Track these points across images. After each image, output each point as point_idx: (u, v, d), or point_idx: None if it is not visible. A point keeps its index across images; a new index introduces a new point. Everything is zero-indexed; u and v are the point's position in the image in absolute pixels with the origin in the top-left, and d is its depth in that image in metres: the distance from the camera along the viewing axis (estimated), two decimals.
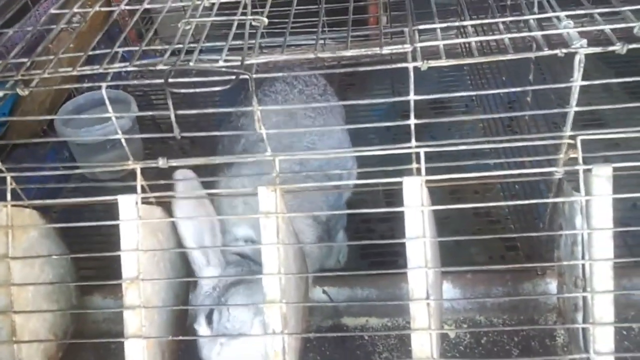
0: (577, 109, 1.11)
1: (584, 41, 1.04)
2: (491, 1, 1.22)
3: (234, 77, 1.08)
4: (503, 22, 1.14)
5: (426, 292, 1.18)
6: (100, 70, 1.20)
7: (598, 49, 1.03)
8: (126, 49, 1.27)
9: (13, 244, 1.31)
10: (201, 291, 1.35)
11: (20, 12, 1.78)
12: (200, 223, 1.32)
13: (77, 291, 1.53)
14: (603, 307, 1.14)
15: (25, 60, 1.27)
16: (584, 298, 1.16)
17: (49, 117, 2.09)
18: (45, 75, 1.21)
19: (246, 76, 1.07)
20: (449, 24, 1.16)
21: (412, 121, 1.15)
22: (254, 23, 1.22)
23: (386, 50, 1.09)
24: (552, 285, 1.47)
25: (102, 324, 1.60)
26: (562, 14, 1.11)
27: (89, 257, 1.57)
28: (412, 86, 1.09)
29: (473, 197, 2.08)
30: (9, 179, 1.31)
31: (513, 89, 1.23)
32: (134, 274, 1.25)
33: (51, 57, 1.27)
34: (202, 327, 1.29)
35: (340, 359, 1.44)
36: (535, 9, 1.28)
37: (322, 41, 2.63)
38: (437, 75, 2.50)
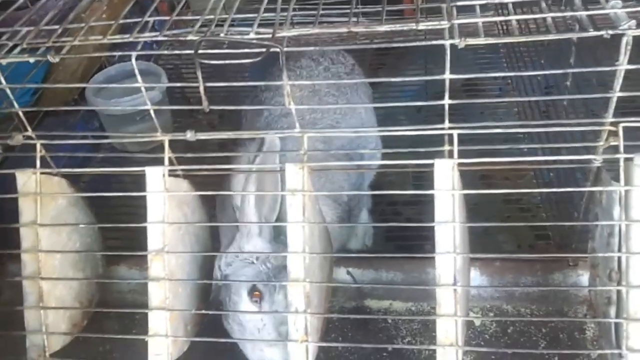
0: (620, 94, 1.05)
1: (633, 22, 0.98)
2: None
3: (264, 49, 1.06)
4: (545, 1, 1.09)
5: (453, 278, 1.15)
6: (131, 39, 1.18)
7: None
8: (157, 18, 1.26)
9: (41, 211, 1.32)
10: (238, 258, 1.31)
11: None
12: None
13: (103, 260, 1.54)
14: (638, 302, 1.10)
15: (57, 27, 1.26)
16: (619, 292, 1.12)
17: (79, 85, 2.10)
18: (76, 43, 1.20)
19: (277, 49, 1.05)
20: (489, 0, 1.10)
21: (447, 101, 1.11)
22: None
23: (422, 26, 1.05)
24: (584, 277, 1.42)
25: (127, 294, 1.61)
26: None
27: (116, 227, 1.60)
28: (447, 64, 1.05)
29: (504, 183, 2.03)
30: (38, 147, 1.31)
31: (553, 71, 1.17)
32: (159, 246, 1.25)
33: (82, 25, 1.26)
34: (243, 302, 1.27)
35: (362, 341, 1.42)
36: None
37: (354, 18, 2.58)
38: (472, 57, 2.43)
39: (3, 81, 1.23)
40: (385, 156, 1.57)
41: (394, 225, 1.63)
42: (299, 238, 1.20)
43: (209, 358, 1.41)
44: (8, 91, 1.26)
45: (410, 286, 1.43)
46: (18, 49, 1.23)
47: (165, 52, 1.88)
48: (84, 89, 2.15)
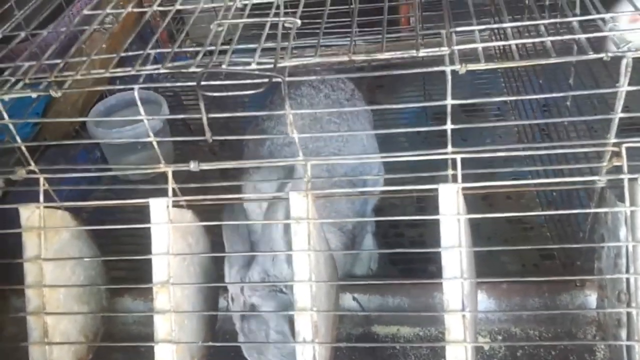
0: (622, 115, 1.06)
1: (632, 44, 0.99)
2: (529, 1, 1.17)
3: (266, 80, 1.06)
4: (544, 24, 1.10)
5: (462, 303, 1.14)
6: (133, 72, 1.19)
7: None
8: (158, 50, 1.27)
9: (45, 245, 1.31)
10: (266, 285, 1.29)
11: (52, 13, 1.80)
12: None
13: (107, 293, 1.52)
14: None
15: (58, 61, 1.27)
16: (629, 314, 1.11)
17: (79, 120, 2.11)
18: (78, 77, 1.21)
19: (279, 79, 1.06)
20: (487, 25, 1.11)
21: (449, 126, 1.12)
22: (286, 24, 1.20)
23: (422, 53, 1.06)
24: (592, 298, 1.41)
25: (132, 326, 1.60)
26: (607, 15, 1.07)
27: (120, 259, 1.59)
28: (449, 90, 1.06)
29: (506, 203, 2.03)
30: (41, 181, 1.31)
31: (554, 95, 1.18)
32: (164, 278, 1.25)
33: (84, 58, 1.27)
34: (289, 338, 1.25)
35: None
36: (577, 10, 1.24)
37: (353, 43, 2.60)
38: (470, 78, 2.44)
39: (6, 116, 1.24)
40: (387, 180, 1.56)
41: (399, 251, 1.62)
42: (305, 266, 1.19)
43: None
44: (11, 126, 1.26)
45: (418, 313, 1.41)
46: (20, 84, 1.24)
47: (168, 84, 1.89)
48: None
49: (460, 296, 1.14)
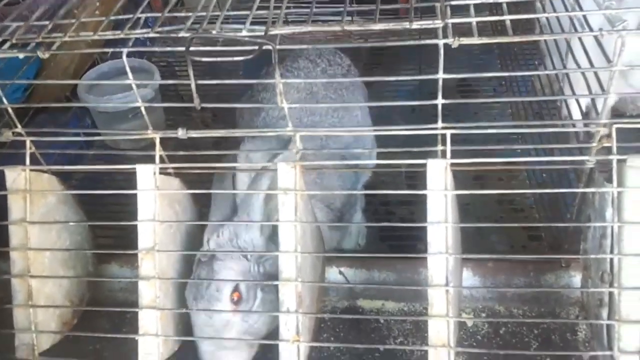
0: (614, 94, 1.05)
1: (626, 23, 0.98)
2: None
3: (256, 47, 1.05)
4: (540, 1, 1.08)
5: (446, 278, 1.14)
6: (122, 36, 1.17)
7: None
8: (150, 15, 1.24)
9: (31, 208, 1.30)
10: (231, 244, 1.28)
11: None
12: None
13: (94, 259, 1.52)
14: (630, 305, 1.10)
15: (47, 23, 1.25)
16: (611, 294, 1.12)
17: (70, 82, 2.08)
18: (67, 39, 1.19)
19: (269, 47, 1.04)
20: (483, 0, 1.09)
21: (440, 101, 1.11)
22: None
23: (415, 25, 1.04)
24: (576, 278, 1.42)
25: (119, 293, 1.60)
26: None
27: (107, 225, 1.58)
28: (441, 64, 1.05)
29: (497, 184, 2.03)
30: (28, 143, 1.30)
31: (546, 72, 1.17)
32: (150, 244, 1.24)
33: (73, 20, 1.25)
34: (223, 297, 1.24)
35: (354, 341, 1.42)
36: None
37: (349, 17, 2.57)
38: (466, 58, 2.42)
39: None
40: (378, 155, 1.56)
41: (387, 225, 1.62)
42: (291, 237, 1.19)
43: None
44: None
45: (402, 287, 1.42)
46: (7, 44, 1.22)
47: (157, 49, 1.86)
48: (76, 85, 2.14)
49: (444, 271, 1.14)
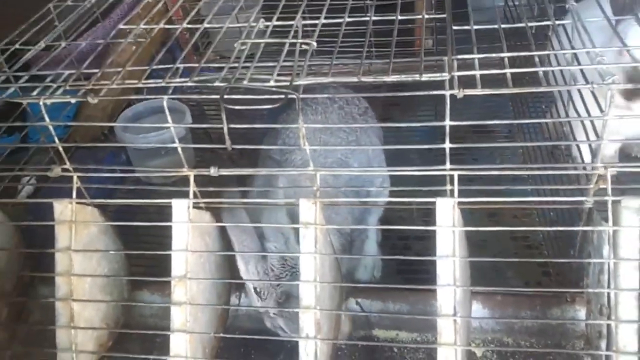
0: (606, 141, 1.15)
1: (616, 77, 1.09)
2: (529, 33, 1.28)
3: (282, 96, 1.18)
4: (539, 55, 1.20)
5: (454, 308, 1.23)
6: (163, 84, 1.31)
7: (629, 85, 1.07)
8: (186, 65, 1.38)
9: (75, 238, 1.43)
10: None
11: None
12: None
13: (128, 285, 1.64)
14: (627, 336, 1.17)
15: (95, 70, 1.40)
16: (608, 326, 1.19)
17: (108, 124, 2.25)
18: (114, 86, 1.34)
19: (294, 96, 1.17)
20: (486, 55, 1.21)
21: (447, 145, 1.22)
22: (304, 47, 1.31)
23: (425, 78, 1.16)
24: (581, 313, 1.49)
25: (149, 319, 1.71)
26: (597, 49, 1.16)
27: (139, 254, 1.71)
28: (447, 112, 1.16)
29: (512, 221, 2.11)
30: (75, 179, 1.44)
31: (545, 120, 1.28)
32: (182, 272, 1.36)
33: (119, 69, 1.39)
34: None
35: None
36: (574, 44, 1.33)
37: (368, 62, 2.70)
38: (481, 100, 2.54)
39: (47, 119, 1.36)
40: (392, 193, 1.67)
41: (398, 258, 1.71)
42: (311, 268, 1.30)
43: None
44: (51, 128, 1.39)
45: (412, 316, 1.51)
46: (61, 90, 1.37)
47: (195, 97, 2.00)
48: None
49: (452, 302, 1.23)
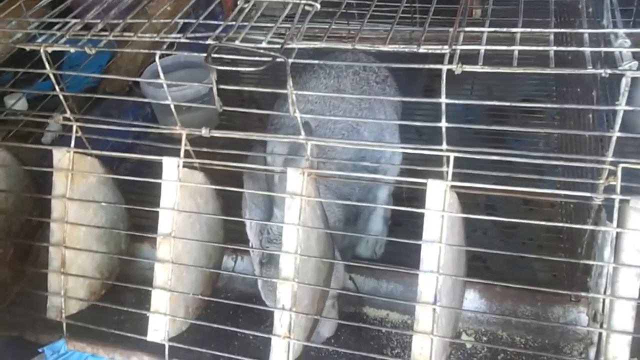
0: (619, 134, 1.03)
1: (634, 63, 0.97)
2: (551, 8, 1.16)
3: (271, 59, 1.12)
4: (555, 34, 1.08)
5: (434, 297, 1.17)
6: (157, 39, 1.28)
7: None
8: (208, 21, 1.33)
9: (72, 186, 1.45)
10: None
11: None
12: None
13: (127, 237, 1.66)
14: (618, 348, 1.08)
15: (120, 21, 1.37)
16: (600, 334, 1.10)
17: (131, 79, 2.26)
18: (134, 39, 1.32)
19: (281, 60, 1.11)
20: (496, 29, 1.11)
21: (444, 124, 1.14)
22: (306, 7, 1.24)
23: (423, 49, 1.08)
24: (584, 315, 1.39)
25: (148, 271, 1.71)
26: (621, 31, 1.04)
27: (140, 208, 1.71)
28: (443, 89, 1.08)
29: (549, 211, 1.98)
30: (74, 127, 1.44)
31: (554, 105, 1.16)
32: (167, 230, 1.35)
33: (144, 20, 1.36)
34: None
35: (354, 346, 1.47)
36: (605, 22, 1.20)
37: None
38: (525, 77, 2.39)
39: (47, 66, 1.36)
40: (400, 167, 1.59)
41: (391, 239, 1.65)
42: (293, 240, 1.26)
43: (208, 340, 1.50)
44: (52, 76, 1.38)
45: (392, 299, 1.45)
46: (84, 39, 1.35)
47: (185, 53, 1.93)
48: (141, 74, 2.31)
49: (433, 290, 1.17)
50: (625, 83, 0.98)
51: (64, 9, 1.50)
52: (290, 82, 1.16)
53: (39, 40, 1.38)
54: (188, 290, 1.41)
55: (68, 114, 1.44)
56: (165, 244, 1.35)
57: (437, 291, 1.16)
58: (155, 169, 2.04)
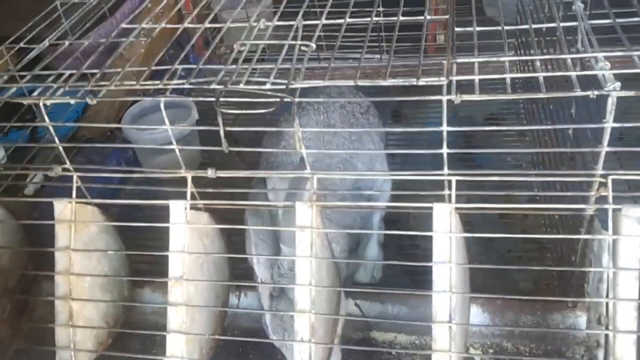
0: (608, 149, 1.12)
1: (617, 84, 1.06)
2: (532, 38, 1.25)
3: (278, 100, 1.17)
4: (541, 60, 1.17)
5: (449, 315, 1.22)
6: (160, 86, 1.31)
7: (630, 93, 1.05)
8: (185, 66, 1.38)
9: (75, 237, 1.44)
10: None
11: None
12: None
13: (129, 284, 1.66)
14: (624, 347, 1.15)
15: (96, 71, 1.40)
16: (606, 336, 1.17)
17: (111, 126, 2.27)
18: (112, 88, 1.34)
19: (289, 100, 1.16)
20: (486, 59, 1.19)
21: (445, 150, 1.20)
22: (302, 48, 1.30)
23: (422, 82, 1.15)
24: (582, 319, 1.47)
25: (150, 316, 1.72)
26: (600, 54, 1.13)
27: (142, 253, 1.72)
28: (444, 118, 1.15)
29: (523, 223, 2.08)
30: (75, 178, 1.45)
31: (540, 127, 1.25)
32: (179, 274, 1.36)
33: (119, 70, 1.39)
34: None
35: None
36: (579, 46, 1.30)
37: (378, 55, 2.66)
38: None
39: (47, 120, 1.37)
40: (392, 197, 1.65)
41: (393, 263, 1.70)
42: (306, 272, 1.29)
43: None
44: (51, 129, 1.40)
45: (408, 322, 1.50)
46: (61, 90, 1.37)
47: (191, 99, 1.99)
48: (121, 119, 2.32)
49: (447, 308, 1.22)
50: (610, 102, 1.07)
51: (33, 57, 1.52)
52: (296, 120, 1.21)
53: (35, 93, 1.40)
54: (202, 332, 1.42)
55: (68, 165, 1.44)
56: (177, 287, 1.36)
57: (452, 309, 1.22)
58: (143, 212, 2.07)
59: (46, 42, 1.60)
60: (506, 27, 1.31)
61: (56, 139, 1.41)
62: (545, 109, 1.81)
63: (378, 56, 2.65)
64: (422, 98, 1.16)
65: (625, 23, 1.25)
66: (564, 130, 1.61)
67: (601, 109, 1.13)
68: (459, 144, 2.17)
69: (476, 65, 1.20)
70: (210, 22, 1.55)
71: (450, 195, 1.24)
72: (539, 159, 1.97)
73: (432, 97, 1.15)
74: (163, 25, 1.54)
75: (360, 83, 1.20)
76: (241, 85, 1.22)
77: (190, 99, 2.18)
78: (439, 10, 2.69)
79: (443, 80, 1.14)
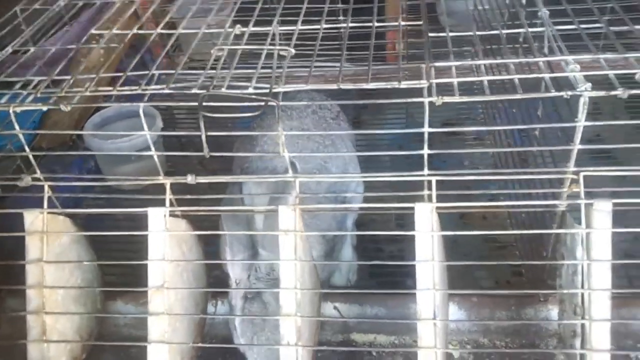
0: (580, 147, 1.18)
1: (589, 84, 1.12)
2: (504, 44, 1.31)
3: (262, 103, 1.17)
4: (514, 63, 1.22)
5: (433, 312, 1.25)
6: (139, 91, 1.29)
7: (601, 93, 1.11)
8: (161, 72, 1.36)
9: (47, 248, 1.39)
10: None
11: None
12: None
13: (101, 295, 1.61)
14: (600, 334, 1.21)
15: (67, 77, 1.36)
16: (582, 325, 1.23)
17: (75, 132, 2.21)
18: (87, 94, 1.31)
19: (274, 103, 1.17)
20: (463, 62, 1.23)
21: (426, 151, 1.24)
22: (282, 53, 1.31)
23: (404, 85, 1.18)
24: (554, 312, 1.53)
25: (123, 328, 1.68)
26: (570, 57, 1.19)
27: (114, 264, 1.67)
28: (426, 119, 1.18)
29: (482, 223, 2.16)
30: (46, 188, 1.40)
31: (519, 127, 1.31)
32: (159, 282, 1.34)
33: (92, 76, 1.36)
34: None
35: None
36: (546, 51, 1.37)
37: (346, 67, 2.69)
38: (451, 103, 2.58)
39: (17, 127, 1.32)
40: (370, 198, 1.67)
41: (379, 263, 1.73)
42: (291, 275, 1.29)
43: None
44: (21, 136, 1.35)
45: (393, 320, 1.52)
46: (31, 97, 1.33)
47: (173, 103, 1.96)
48: (81, 128, 2.25)
49: (432, 306, 1.25)
50: (582, 102, 1.13)
51: None
52: (280, 124, 1.21)
53: (3, 100, 1.35)
54: (184, 341, 1.39)
55: (38, 174, 1.39)
56: (158, 296, 1.34)
57: (436, 307, 1.25)
58: (107, 222, 2.01)
59: (9, 48, 1.55)
60: (478, 33, 1.36)
61: (26, 147, 1.36)
62: (508, 112, 1.89)
63: (338, 64, 2.69)
64: (405, 100, 1.18)
65: (589, 29, 1.32)
66: (528, 132, 1.69)
67: (569, 110, 1.19)
68: (417, 148, 2.26)
69: (453, 69, 1.24)
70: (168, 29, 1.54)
71: (430, 195, 1.27)
72: (502, 160, 2.04)
73: (414, 100, 1.18)
74: (135, 30, 1.52)
75: (343, 86, 1.22)
76: (224, 90, 1.21)
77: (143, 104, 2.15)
78: (394, 19, 2.76)
79: (424, 84, 1.18)
